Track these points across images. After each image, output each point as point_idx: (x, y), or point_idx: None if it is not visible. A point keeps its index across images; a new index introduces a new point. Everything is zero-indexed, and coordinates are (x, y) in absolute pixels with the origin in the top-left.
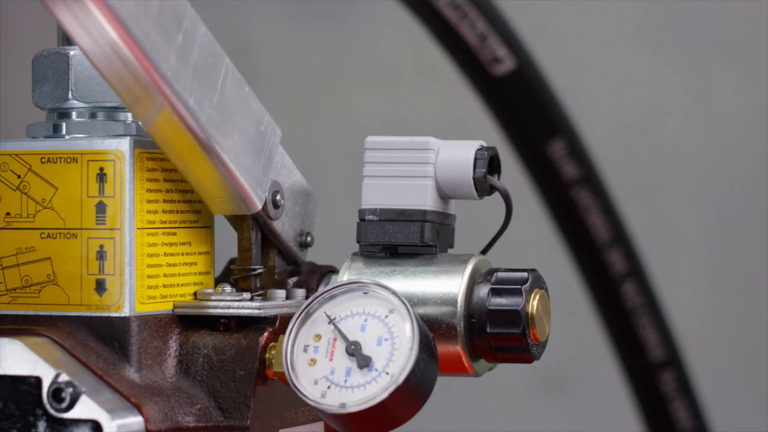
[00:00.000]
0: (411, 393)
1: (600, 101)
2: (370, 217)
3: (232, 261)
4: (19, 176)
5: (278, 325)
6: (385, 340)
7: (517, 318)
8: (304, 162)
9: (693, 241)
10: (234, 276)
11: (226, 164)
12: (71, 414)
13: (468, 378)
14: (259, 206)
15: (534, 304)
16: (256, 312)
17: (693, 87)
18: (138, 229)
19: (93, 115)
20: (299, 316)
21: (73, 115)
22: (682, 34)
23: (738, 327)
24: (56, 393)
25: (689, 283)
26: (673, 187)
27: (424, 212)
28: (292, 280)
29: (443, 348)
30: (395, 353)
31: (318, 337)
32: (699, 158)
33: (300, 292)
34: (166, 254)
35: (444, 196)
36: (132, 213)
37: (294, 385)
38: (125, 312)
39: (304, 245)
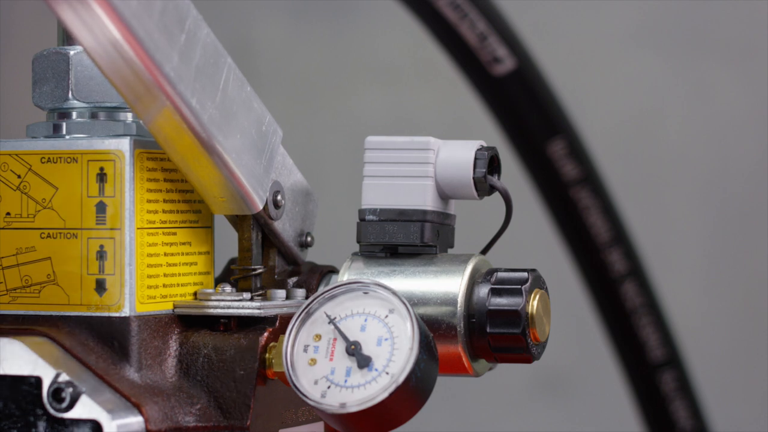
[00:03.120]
0: (411, 393)
1: (600, 101)
2: (370, 217)
3: (232, 261)
4: (19, 176)
5: (278, 325)
6: (385, 340)
7: (517, 318)
8: (304, 162)
9: (693, 241)
10: (234, 276)
11: (227, 164)
12: (71, 414)
13: (468, 378)
14: (260, 206)
15: (534, 304)
16: (256, 312)
17: (693, 87)
18: (138, 229)
19: (93, 115)
20: (299, 316)
21: (74, 115)
22: (682, 34)
23: (738, 327)
24: (56, 393)
25: (689, 283)
26: (673, 187)
27: (424, 212)
28: (292, 280)
29: (443, 348)
30: (395, 353)
31: (318, 337)
32: (699, 158)
33: (300, 292)
34: (166, 254)
35: (444, 196)
36: (132, 213)
37: (294, 385)
38: (125, 312)
39: (305, 245)
